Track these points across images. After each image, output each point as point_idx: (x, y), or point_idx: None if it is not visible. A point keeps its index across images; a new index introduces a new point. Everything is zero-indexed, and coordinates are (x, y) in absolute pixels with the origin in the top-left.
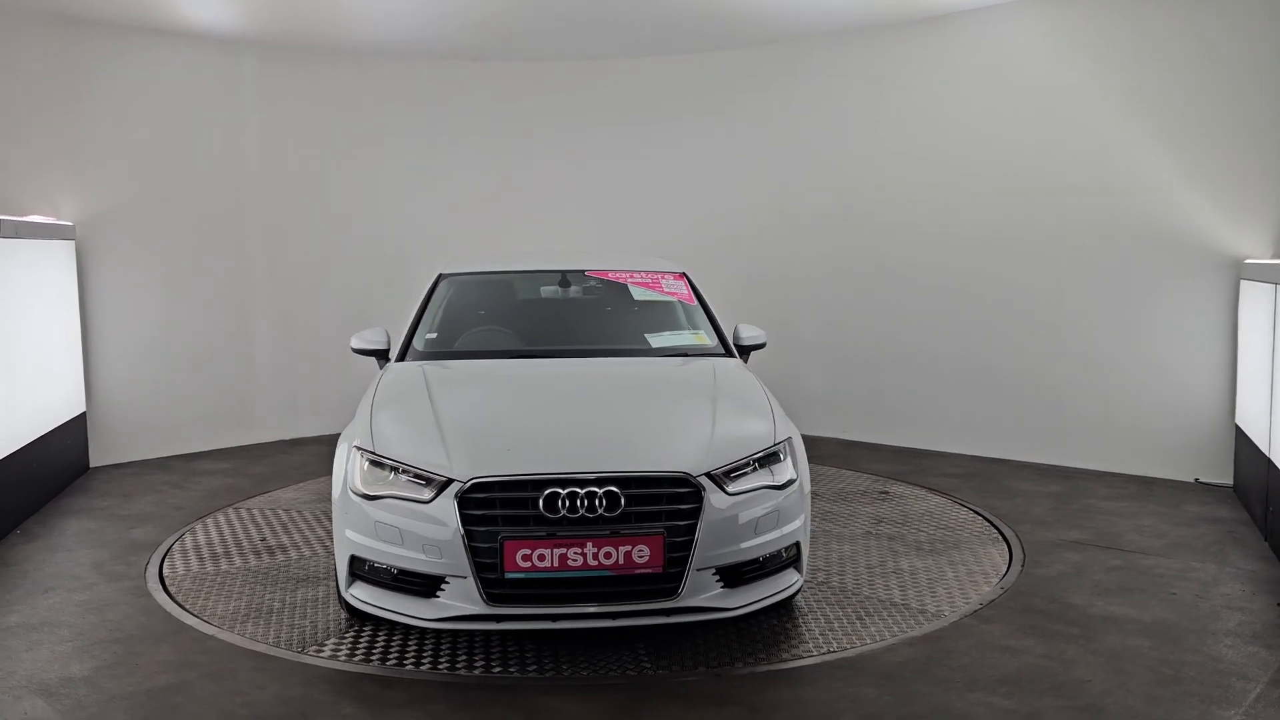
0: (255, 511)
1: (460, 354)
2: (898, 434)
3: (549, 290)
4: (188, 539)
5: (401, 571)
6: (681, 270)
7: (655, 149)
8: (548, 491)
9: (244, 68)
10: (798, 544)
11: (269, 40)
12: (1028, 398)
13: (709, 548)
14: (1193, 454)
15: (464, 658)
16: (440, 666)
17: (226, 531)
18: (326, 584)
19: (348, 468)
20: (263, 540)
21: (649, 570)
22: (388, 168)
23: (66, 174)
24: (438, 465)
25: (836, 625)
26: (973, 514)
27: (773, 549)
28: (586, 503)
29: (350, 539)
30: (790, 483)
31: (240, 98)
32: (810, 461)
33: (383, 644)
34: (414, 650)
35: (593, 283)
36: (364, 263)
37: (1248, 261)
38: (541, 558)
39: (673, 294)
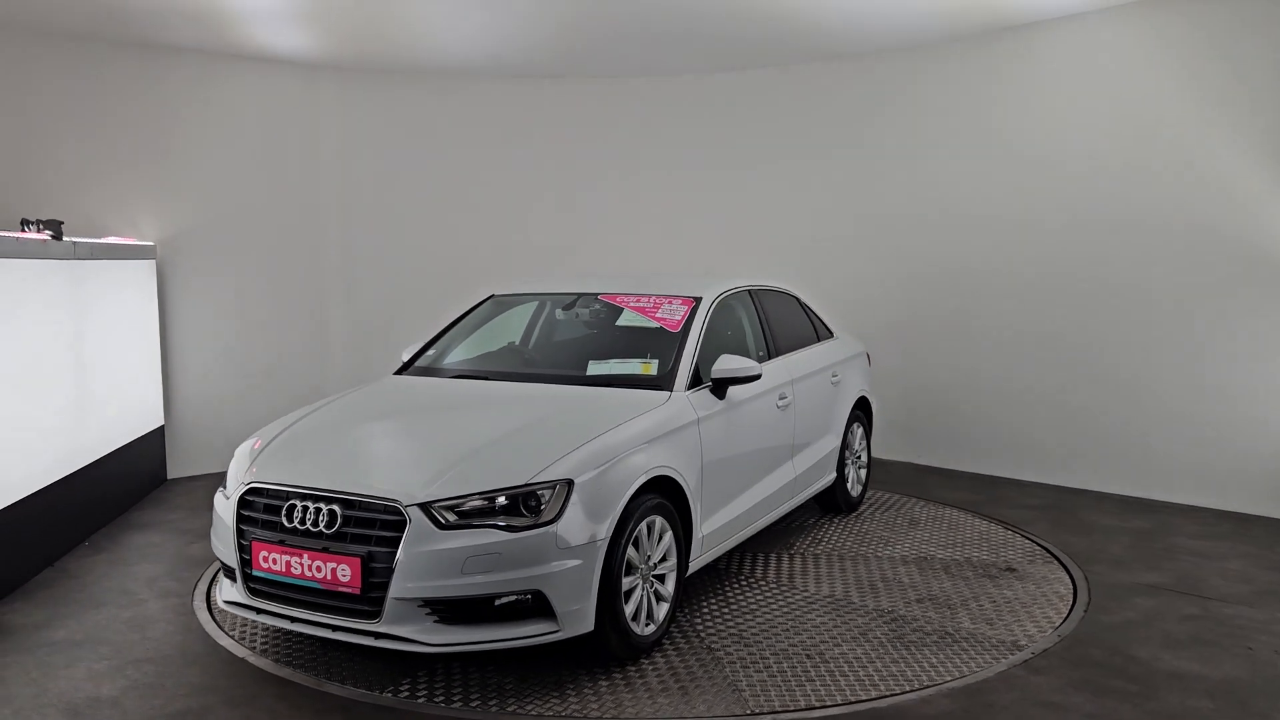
0: None
1: (436, 372)
2: (976, 460)
3: (561, 314)
4: None
5: (217, 556)
6: (697, 296)
7: (737, 166)
8: (289, 502)
9: (322, 90)
10: (541, 592)
11: (346, 64)
12: (1114, 423)
13: (412, 578)
14: None
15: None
16: (455, 702)
17: None
18: None
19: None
20: None
21: (349, 590)
22: (465, 187)
23: (149, 195)
24: (247, 466)
25: (610, 690)
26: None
27: (492, 591)
28: (313, 517)
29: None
30: (540, 525)
31: (318, 120)
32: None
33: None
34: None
35: (597, 306)
36: (440, 282)
37: None
38: (275, 561)
39: (661, 320)
